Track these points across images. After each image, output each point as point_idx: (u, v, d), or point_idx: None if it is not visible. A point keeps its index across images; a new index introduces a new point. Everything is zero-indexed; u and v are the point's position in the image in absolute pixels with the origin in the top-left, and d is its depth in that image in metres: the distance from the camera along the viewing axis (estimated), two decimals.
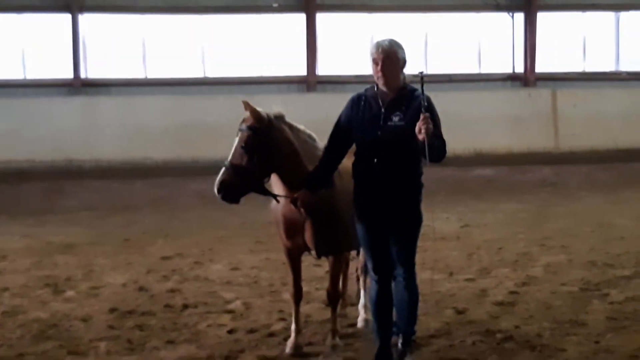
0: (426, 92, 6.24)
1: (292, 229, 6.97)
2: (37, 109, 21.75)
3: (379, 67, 6.36)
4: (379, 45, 6.37)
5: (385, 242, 6.52)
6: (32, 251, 12.47)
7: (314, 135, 7.02)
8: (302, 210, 6.67)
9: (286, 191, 6.74)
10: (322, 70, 23.93)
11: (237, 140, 6.51)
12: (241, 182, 6.43)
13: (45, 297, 9.51)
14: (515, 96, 24.25)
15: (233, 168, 6.41)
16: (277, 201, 6.86)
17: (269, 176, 6.72)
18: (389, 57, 6.33)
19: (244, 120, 6.54)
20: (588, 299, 8.88)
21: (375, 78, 6.43)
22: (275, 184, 6.86)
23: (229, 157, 6.47)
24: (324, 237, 6.90)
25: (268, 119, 6.54)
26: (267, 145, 6.47)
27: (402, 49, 6.40)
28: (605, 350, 7.11)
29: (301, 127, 6.92)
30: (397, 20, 23.91)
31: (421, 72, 6.25)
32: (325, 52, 24.01)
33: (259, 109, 6.53)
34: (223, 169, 6.43)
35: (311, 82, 23.71)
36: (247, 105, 6.51)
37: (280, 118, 6.69)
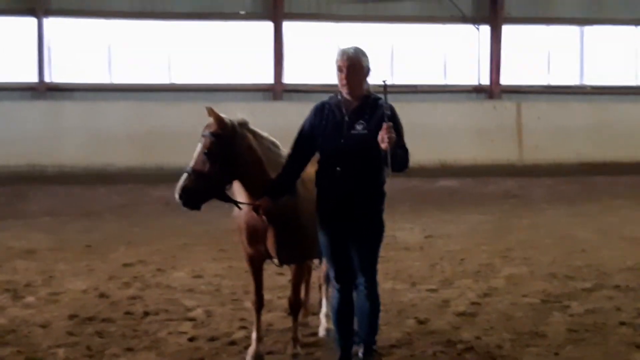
0: (391, 102, 6.25)
1: (254, 236, 6.95)
2: (0, 112, 21.55)
3: (343, 75, 6.37)
4: (344, 53, 6.38)
5: (347, 251, 6.52)
6: None
7: (277, 142, 7.00)
8: (264, 217, 6.66)
9: (249, 198, 6.72)
10: (288, 78, 23.94)
11: (199, 146, 6.49)
12: (202, 188, 6.41)
13: (4, 303, 9.39)
14: (480, 108, 24.39)
15: (195, 174, 6.40)
16: (240, 208, 6.84)
17: (231, 183, 6.70)
18: (354, 65, 6.34)
19: (207, 126, 6.53)
20: (549, 310, 8.93)
21: (340, 85, 6.44)
22: (238, 191, 6.84)
23: (191, 163, 6.45)
24: (286, 245, 6.88)
25: (231, 125, 6.53)
26: (229, 152, 6.45)
27: (367, 57, 6.42)
28: None
29: (265, 134, 6.91)
30: (363, 30, 23.99)
31: (385, 81, 6.26)
32: (292, 60, 24.03)
33: (222, 115, 6.52)
34: (185, 175, 6.41)
35: (277, 90, 23.72)
36: (210, 112, 6.50)
37: (243, 125, 6.67)
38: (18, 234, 14.39)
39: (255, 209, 6.64)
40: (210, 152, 6.42)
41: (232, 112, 6.72)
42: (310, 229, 6.71)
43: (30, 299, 9.58)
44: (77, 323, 8.49)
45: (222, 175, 6.48)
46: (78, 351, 7.51)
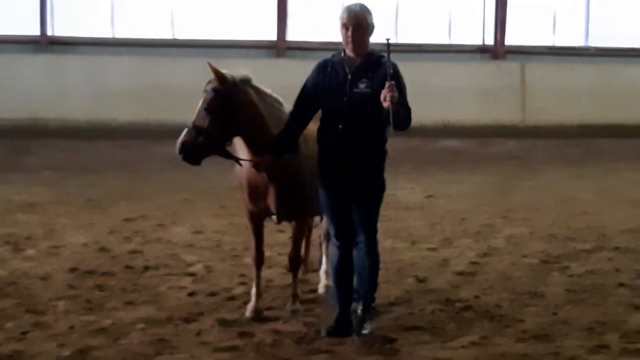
0: (395, 61, 6.24)
1: (255, 192, 6.96)
2: (2, 66, 21.43)
3: (349, 32, 6.36)
4: (350, 10, 6.37)
5: (348, 209, 6.54)
6: None
7: (281, 99, 7.00)
8: (264, 174, 6.67)
9: (250, 155, 6.73)
10: (292, 35, 23.80)
11: (201, 102, 6.50)
12: (202, 143, 6.43)
13: (4, 255, 9.44)
14: (484, 68, 24.25)
15: (195, 129, 6.44)
16: (240, 164, 6.84)
17: (231, 139, 6.70)
18: (359, 22, 6.34)
19: (209, 82, 6.54)
20: (548, 271, 8.95)
21: (344, 43, 6.43)
22: (240, 148, 6.85)
23: (192, 119, 6.46)
24: (287, 202, 6.90)
25: (232, 81, 6.53)
26: (230, 108, 6.46)
27: (372, 14, 6.42)
28: (562, 321, 7.17)
29: (268, 91, 6.90)
30: None
31: (388, 39, 6.24)
32: (296, 17, 23.87)
33: (223, 71, 6.52)
34: (185, 130, 6.45)
35: (281, 48, 23.57)
36: (211, 67, 6.48)
37: (246, 81, 6.66)
38: (19, 188, 14.39)
39: (256, 165, 6.65)
40: (210, 108, 6.44)
41: (235, 68, 6.72)
42: (312, 187, 6.73)
43: (30, 251, 9.62)
44: (77, 276, 8.53)
45: (222, 131, 6.50)
46: (78, 304, 7.55)
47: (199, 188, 14.15)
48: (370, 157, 6.46)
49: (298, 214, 7.15)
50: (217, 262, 9.16)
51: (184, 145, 6.42)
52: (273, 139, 6.63)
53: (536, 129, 23.07)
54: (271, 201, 6.95)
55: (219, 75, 6.49)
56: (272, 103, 6.88)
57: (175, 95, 20.13)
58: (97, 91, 21.55)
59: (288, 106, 6.86)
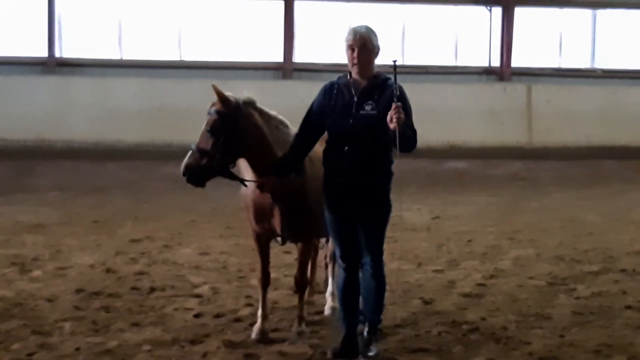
0: (401, 82, 6.25)
1: (261, 214, 6.97)
2: (10, 87, 21.51)
3: (355, 54, 6.38)
4: (355, 32, 6.39)
5: (354, 230, 6.54)
6: (0, 230, 12.36)
7: (286, 121, 7.00)
8: (268, 195, 6.69)
9: (255, 176, 6.75)
10: (298, 57, 23.87)
11: (204, 124, 6.53)
12: (206, 165, 6.46)
13: (11, 276, 9.44)
14: (490, 90, 24.29)
15: (199, 152, 6.47)
16: (245, 185, 6.86)
17: (235, 161, 6.72)
18: (365, 44, 6.36)
19: (212, 104, 6.57)
20: (555, 293, 8.93)
21: (350, 64, 6.44)
22: (245, 169, 6.87)
23: (196, 141, 6.50)
24: (292, 224, 6.89)
25: (236, 103, 6.56)
26: (233, 130, 6.49)
27: (377, 36, 6.44)
28: (569, 344, 7.15)
29: (273, 113, 6.91)
30: (374, 9, 23.86)
31: (395, 61, 6.26)
32: (302, 39, 23.95)
33: (227, 93, 6.55)
34: (190, 152, 6.49)
35: (287, 69, 23.65)
36: (215, 89, 6.52)
37: (249, 103, 6.69)
38: (26, 209, 14.44)
39: (260, 186, 6.67)
40: (213, 130, 6.47)
41: (240, 90, 6.75)
42: (317, 208, 6.72)
43: (37, 272, 9.62)
44: (83, 297, 8.53)
45: (226, 153, 6.52)
46: (84, 325, 7.54)
47: (204, 209, 14.18)
48: (376, 178, 6.46)
49: (303, 235, 7.14)
50: (223, 284, 9.16)
51: (188, 167, 6.45)
52: (278, 160, 6.65)
53: (542, 151, 23.09)
54: (276, 222, 6.95)
55: (222, 98, 6.53)
56: (277, 125, 6.90)
57: (182, 116, 20.18)
58: (103, 112, 21.63)
59: (294, 128, 6.87)
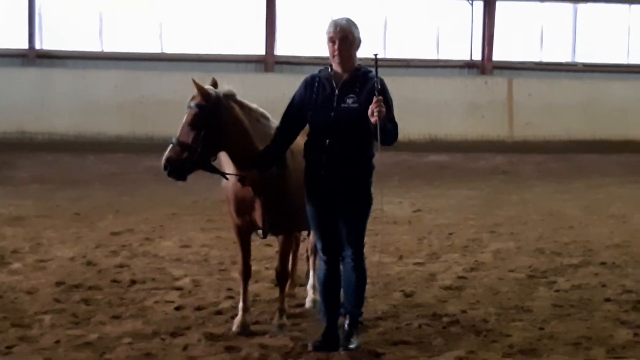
0: (382, 76, 6.25)
1: (242, 206, 6.95)
2: None
3: (335, 46, 6.36)
4: (336, 24, 6.36)
5: (335, 223, 6.53)
6: None
7: (267, 114, 6.99)
8: (249, 188, 6.68)
9: (236, 169, 6.73)
10: (280, 50, 23.86)
11: (185, 117, 6.51)
12: (187, 159, 6.44)
13: None
14: (471, 84, 24.38)
15: (180, 145, 6.45)
16: (226, 179, 6.85)
17: (216, 154, 6.71)
18: (346, 36, 6.33)
19: (192, 98, 6.55)
20: (535, 285, 8.96)
21: (331, 57, 6.43)
22: (226, 162, 6.85)
23: (177, 134, 6.48)
24: (274, 217, 6.89)
25: (215, 97, 6.54)
26: (213, 123, 6.47)
27: (358, 28, 6.42)
28: (549, 336, 7.17)
29: (254, 105, 6.89)
30: (356, 2, 23.85)
31: (376, 55, 6.24)
32: (284, 32, 23.93)
33: (206, 86, 6.53)
34: (170, 146, 6.46)
35: (269, 62, 23.65)
36: (195, 83, 6.50)
37: (229, 96, 6.66)
38: (6, 201, 14.37)
39: (241, 179, 6.66)
40: (194, 123, 6.45)
41: (221, 83, 6.73)
42: (298, 201, 6.71)
43: (17, 265, 9.57)
44: (63, 290, 8.48)
45: (207, 147, 6.50)
46: (64, 318, 7.51)
47: (185, 202, 14.16)
48: (357, 171, 6.46)
49: (284, 228, 7.13)
50: (204, 276, 9.14)
51: (169, 161, 6.43)
52: (259, 154, 6.63)
53: (523, 144, 23.22)
54: (257, 215, 6.94)
55: (202, 91, 6.51)
56: (258, 118, 6.88)
57: (163, 109, 20.18)
58: (84, 105, 21.58)
59: (276, 120, 6.86)
